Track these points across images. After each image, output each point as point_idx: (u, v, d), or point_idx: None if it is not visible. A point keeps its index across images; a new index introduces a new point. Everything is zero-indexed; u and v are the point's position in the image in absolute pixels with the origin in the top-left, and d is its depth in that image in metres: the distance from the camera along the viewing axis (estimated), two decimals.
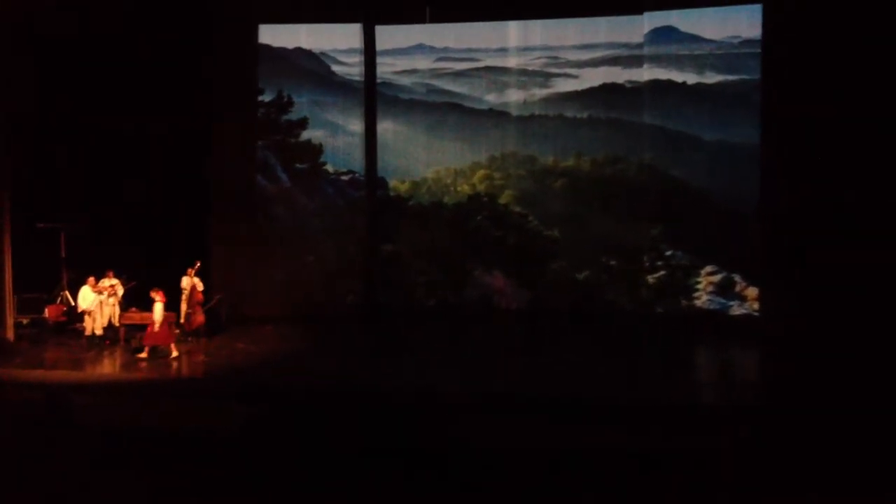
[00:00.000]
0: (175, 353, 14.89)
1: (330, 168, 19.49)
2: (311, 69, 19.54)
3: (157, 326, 14.82)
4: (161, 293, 15.03)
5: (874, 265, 14.48)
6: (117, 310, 16.08)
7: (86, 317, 15.96)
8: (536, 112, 18.84)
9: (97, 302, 15.92)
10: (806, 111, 15.60)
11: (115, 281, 16.10)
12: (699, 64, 17.60)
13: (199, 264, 16.49)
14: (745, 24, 16.98)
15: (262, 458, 9.15)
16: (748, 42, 17.01)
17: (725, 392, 13.48)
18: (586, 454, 9.30)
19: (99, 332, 15.94)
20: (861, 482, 8.50)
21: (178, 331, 16.26)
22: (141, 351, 14.92)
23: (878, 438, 9.70)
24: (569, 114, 18.64)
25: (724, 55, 17.37)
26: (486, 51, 19.12)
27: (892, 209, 14.52)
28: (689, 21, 17.72)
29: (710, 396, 13.22)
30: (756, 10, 16.69)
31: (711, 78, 17.56)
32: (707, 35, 17.54)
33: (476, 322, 18.27)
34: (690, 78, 17.69)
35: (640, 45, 18.00)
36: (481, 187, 19.00)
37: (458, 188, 19.19)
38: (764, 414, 11.63)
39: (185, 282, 16.31)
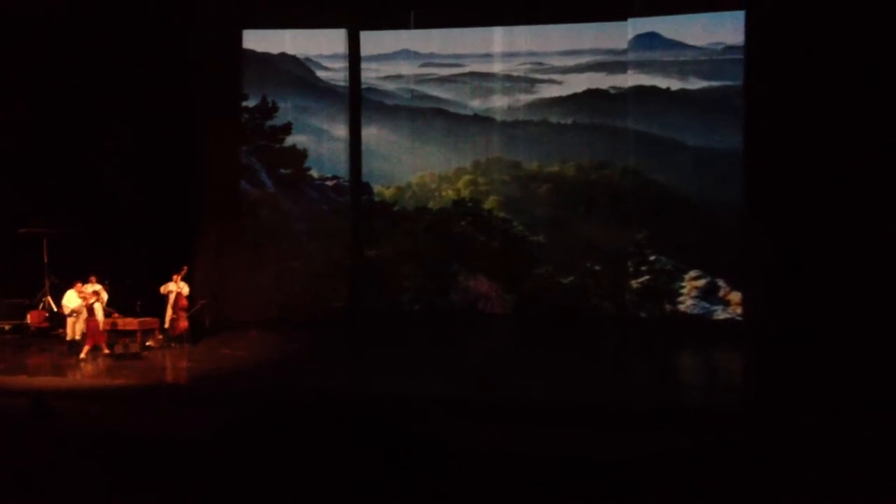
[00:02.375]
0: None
1: (315, 173, 19.47)
2: (295, 74, 19.53)
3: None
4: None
5: (858, 269, 14.58)
6: (101, 315, 15.95)
7: (67, 321, 15.85)
8: (521, 118, 18.90)
9: (82, 306, 15.81)
10: (789, 117, 15.74)
11: (97, 286, 15.98)
12: (683, 70, 17.70)
13: (185, 269, 16.40)
14: (729, 31, 17.10)
15: (245, 462, 9.10)
16: (731, 48, 17.12)
17: (708, 396, 13.54)
18: (574, 459, 9.31)
19: (79, 337, 15.81)
20: (847, 485, 8.54)
21: (161, 336, 16.21)
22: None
23: (863, 441, 9.76)
24: (553, 119, 18.71)
25: (707, 61, 17.48)
26: (471, 56, 19.16)
27: (875, 213, 14.63)
28: (672, 28, 17.82)
29: (693, 400, 13.26)
30: (739, 17, 16.82)
31: (695, 84, 17.66)
32: (691, 41, 17.65)
33: (461, 326, 18.29)
34: (674, 84, 17.79)
35: (624, 52, 18.09)
36: (466, 192, 19.02)
37: (443, 193, 19.21)
38: (747, 417, 11.68)
39: (166, 287, 16.20)
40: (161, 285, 16.27)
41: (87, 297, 15.74)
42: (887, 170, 14.56)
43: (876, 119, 14.71)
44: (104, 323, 15.88)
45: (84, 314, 15.73)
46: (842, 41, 15.03)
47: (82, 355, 15.03)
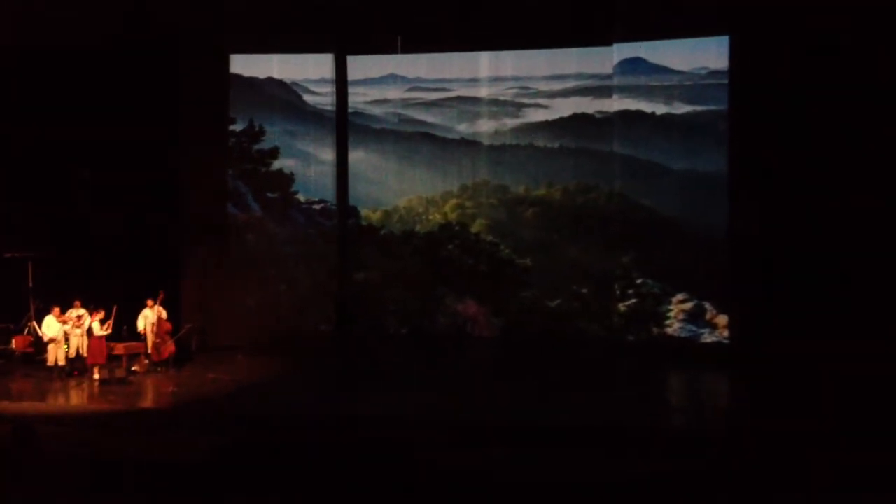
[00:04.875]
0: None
1: (301, 197, 19.47)
2: (282, 99, 19.57)
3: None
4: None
5: (844, 291, 14.66)
6: (85, 340, 15.84)
7: (49, 347, 15.75)
8: (508, 141, 18.98)
9: (62, 332, 15.72)
10: (773, 140, 15.87)
11: (82, 311, 15.89)
12: (668, 94, 17.83)
13: (161, 295, 16.28)
14: (713, 56, 17.25)
15: (231, 488, 9.03)
16: (715, 73, 17.26)
17: (695, 419, 13.56)
18: (561, 482, 9.29)
19: (62, 362, 15.70)
20: None
21: (146, 361, 16.13)
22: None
23: (848, 464, 9.77)
24: (540, 143, 18.80)
25: (692, 86, 17.62)
26: (458, 81, 19.26)
27: (860, 234, 14.73)
28: (657, 53, 17.96)
29: (679, 423, 13.30)
30: (723, 42, 16.97)
31: (680, 108, 17.78)
32: (675, 66, 17.78)
33: (448, 350, 18.26)
34: (659, 108, 17.91)
35: (609, 76, 18.22)
36: (453, 216, 19.06)
37: (430, 217, 19.24)
38: (733, 441, 11.69)
39: (148, 313, 16.11)
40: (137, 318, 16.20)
41: (67, 321, 15.67)
42: (871, 192, 14.68)
43: (860, 143, 14.85)
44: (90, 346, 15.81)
45: (62, 340, 15.66)
46: (824, 64, 15.19)
47: (95, 376, 15.28)
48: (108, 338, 15.64)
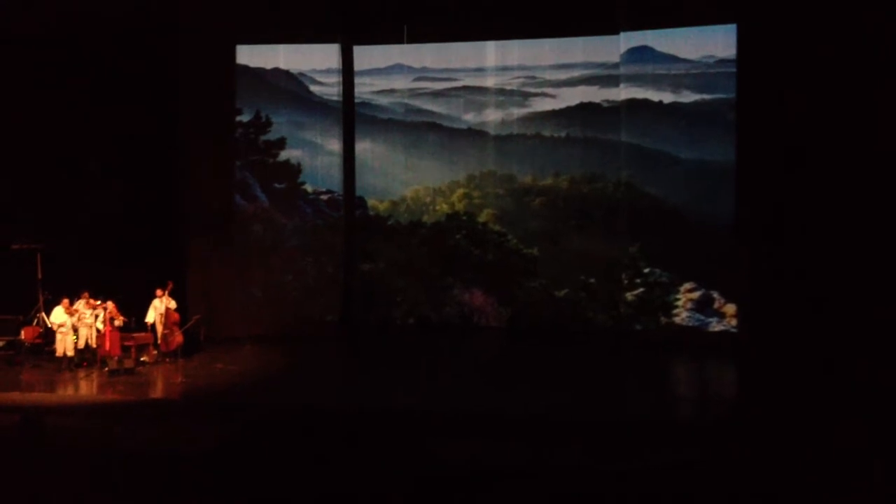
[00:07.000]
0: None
1: (308, 188, 19.48)
2: (289, 89, 19.56)
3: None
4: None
5: (851, 280, 14.61)
6: (94, 331, 15.92)
7: (57, 338, 15.82)
8: (514, 131, 18.95)
9: (69, 323, 15.78)
10: (781, 129, 15.80)
11: (90, 301, 15.93)
12: (675, 83, 17.75)
13: (171, 285, 16.36)
14: (720, 44, 17.16)
15: (239, 478, 9.08)
16: (723, 61, 17.18)
17: (703, 408, 13.55)
18: (568, 473, 9.30)
19: (70, 353, 15.75)
20: (840, 496, 8.56)
21: (155, 351, 16.20)
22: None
23: (856, 452, 9.77)
24: (546, 133, 18.75)
25: (699, 74, 17.54)
26: (464, 70, 19.21)
27: (869, 224, 14.67)
28: (664, 41, 17.88)
29: (687, 412, 13.29)
30: (731, 30, 16.88)
31: (687, 97, 17.71)
32: (682, 55, 17.70)
33: (456, 340, 18.28)
34: (666, 97, 17.84)
35: (616, 65, 18.15)
36: (460, 206, 19.05)
37: (437, 207, 19.23)
38: (740, 430, 11.68)
39: (157, 304, 16.21)
40: (147, 309, 16.27)
41: (75, 312, 15.72)
42: (879, 181, 14.61)
43: (869, 131, 14.77)
44: (99, 338, 15.86)
45: (70, 331, 15.71)
46: (832, 53, 15.10)
47: (106, 367, 15.24)
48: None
